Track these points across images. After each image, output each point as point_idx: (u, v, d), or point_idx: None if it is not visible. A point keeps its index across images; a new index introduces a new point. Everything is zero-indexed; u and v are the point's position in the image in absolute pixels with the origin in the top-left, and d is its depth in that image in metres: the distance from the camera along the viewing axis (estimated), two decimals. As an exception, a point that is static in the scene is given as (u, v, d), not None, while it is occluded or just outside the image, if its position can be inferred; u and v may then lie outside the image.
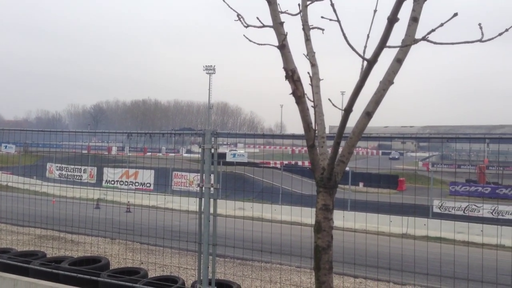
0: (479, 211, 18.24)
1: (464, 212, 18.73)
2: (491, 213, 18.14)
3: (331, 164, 2.81)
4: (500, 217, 17.97)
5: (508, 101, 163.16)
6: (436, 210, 19.60)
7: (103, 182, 25.99)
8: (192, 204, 5.99)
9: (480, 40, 2.57)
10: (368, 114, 2.81)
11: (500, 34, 2.61)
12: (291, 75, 2.79)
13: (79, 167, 25.82)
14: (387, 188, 24.38)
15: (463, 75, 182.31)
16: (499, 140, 5.75)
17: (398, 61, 2.78)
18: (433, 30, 2.34)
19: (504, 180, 33.08)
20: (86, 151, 26.57)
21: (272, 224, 7.17)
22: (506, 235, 14.11)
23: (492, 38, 2.62)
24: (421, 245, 6.46)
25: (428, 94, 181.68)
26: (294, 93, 2.82)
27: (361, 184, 25.35)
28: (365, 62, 2.47)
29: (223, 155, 9.98)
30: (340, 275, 8.53)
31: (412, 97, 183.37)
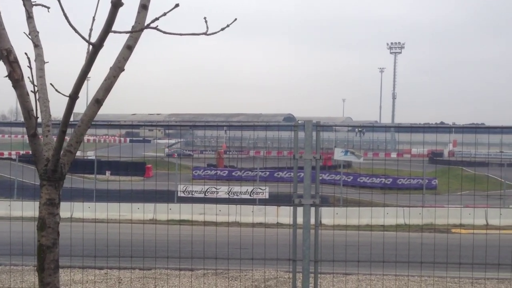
0: (217, 193, 19.95)
1: (205, 194, 20.23)
2: (228, 194, 20.07)
3: (57, 154, 2.59)
4: (235, 197, 20.03)
5: (242, 92, 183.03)
6: (181, 194, 20.61)
7: None
8: None
9: (205, 33, 2.71)
10: (98, 101, 2.68)
11: (222, 29, 2.81)
12: (6, 56, 2.45)
13: None
14: (135, 176, 24.44)
15: (208, 66, 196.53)
16: (239, 127, 6.29)
17: (129, 47, 2.73)
18: (156, 19, 2.36)
19: (239, 163, 36.86)
20: None
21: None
22: (239, 212, 15.77)
23: (216, 32, 2.80)
24: (169, 229, 6.67)
25: (174, 83, 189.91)
26: (10, 76, 2.49)
27: (108, 173, 24.78)
28: (91, 46, 2.34)
29: None
30: (81, 268, 8.16)
31: (160, 86, 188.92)
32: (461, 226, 14.98)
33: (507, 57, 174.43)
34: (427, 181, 25.22)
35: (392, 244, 6.12)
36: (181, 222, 7.85)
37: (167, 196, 19.05)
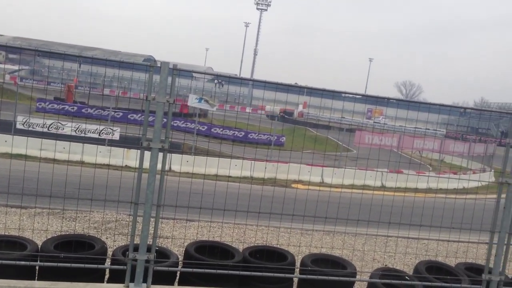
0: (63, 129, 18.63)
1: (48, 129, 18.76)
2: (75, 131, 18.86)
3: None
4: (82, 135, 18.90)
5: (101, 26, 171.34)
6: (20, 126, 18.83)
7: None
8: None
9: None
10: None
11: None
12: None
13: None
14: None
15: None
16: (91, 60, 5.79)
17: None
18: None
19: (91, 100, 34.86)
20: None
21: None
22: (88, 152, 15.00)
23: None
24: (5, 163, 6.03)
25: (23, 4, 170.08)
26: None
27: None
28: None
29: None
30: None
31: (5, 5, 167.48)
32: (299, 181, 16.25)
33: (365, 30, 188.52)
34: (276, 137, 26.62)
35: (235, 194, 6.36)
36: (15, 156, 7.16)
37: (3, 127, 17.30)
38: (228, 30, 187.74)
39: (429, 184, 18.11)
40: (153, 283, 4.50)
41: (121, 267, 4.62)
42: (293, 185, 15.78)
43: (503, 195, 4.77)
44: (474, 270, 5.68)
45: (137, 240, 4.62)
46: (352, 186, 10.16)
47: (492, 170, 25.60)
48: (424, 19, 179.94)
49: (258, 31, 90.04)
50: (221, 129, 28.03)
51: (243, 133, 28.45)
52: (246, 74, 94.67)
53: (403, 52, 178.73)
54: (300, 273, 5.34)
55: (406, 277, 5.45)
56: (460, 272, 5.64)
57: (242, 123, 27.47)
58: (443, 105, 7.04)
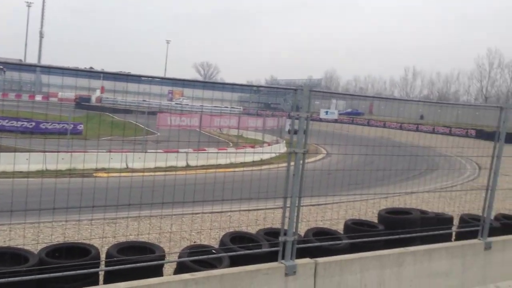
0: None
1: None
2: None
3: None
4: None
5: None
6: None
7: None
8: None
9: None
10: None
11: None
12: None
13: None
14: None
15: None
16: None
17: None
18: None
19: None
20: None
21: None
22: None
23: None
24: None
25: None
26: None
27: None
28: None
29: None
30: None
31: None
32: (101, 170, 15.53)
33: (160, 12, 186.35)
34: (72, 126, 24.96)
35: (24, 191, 5.68)
36: None
37: None
38: (7, 10, 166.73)
39: (230, 159, 19.09)
40: None
41: None
42: (95, 174, 14.97)
43: (292, 163, 5.20)
44: (272, 234, 6.12)
45: None
46: (155, 169, 10.07)
47: (284, 141, 28.23)
48: (218, 5, 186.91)
49: (43, 12, 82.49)
50: (6, 120, 25.01)
51: (33, 124, 25.86)
52: (32, 58, 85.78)
53: (199, 35, 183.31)
54: (106, 266, 5.05)
55: (213, 251, 5.60)
56: (261, 237, 6.03)
57: (30, 113, 24.97)
58: (236, 84, 7.38)
